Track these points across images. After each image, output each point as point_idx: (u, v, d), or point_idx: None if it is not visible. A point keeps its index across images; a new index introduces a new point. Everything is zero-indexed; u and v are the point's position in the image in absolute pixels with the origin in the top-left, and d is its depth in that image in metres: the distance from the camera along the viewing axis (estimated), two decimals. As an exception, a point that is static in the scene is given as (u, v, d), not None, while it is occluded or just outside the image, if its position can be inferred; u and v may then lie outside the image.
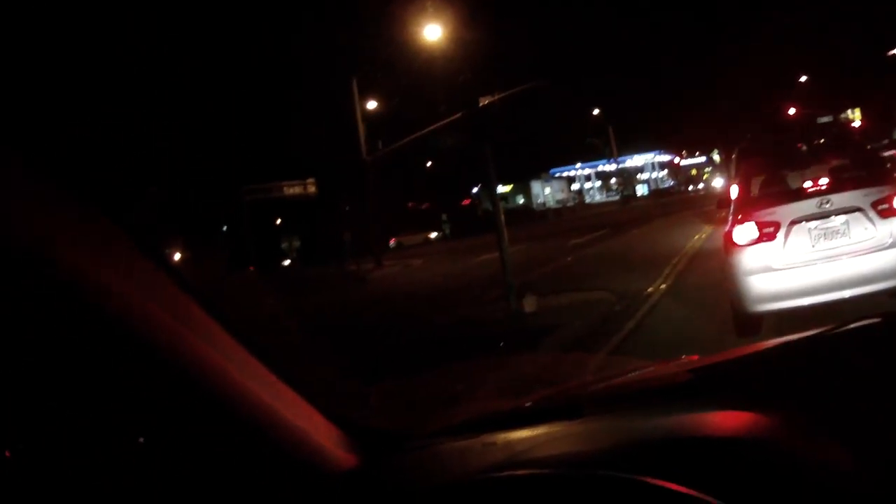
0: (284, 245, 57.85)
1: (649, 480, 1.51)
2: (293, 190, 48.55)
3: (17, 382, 1.49)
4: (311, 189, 48.79)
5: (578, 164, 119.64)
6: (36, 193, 1.39)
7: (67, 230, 1.42)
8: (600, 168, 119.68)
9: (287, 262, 60.08)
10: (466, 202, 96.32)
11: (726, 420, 1.84)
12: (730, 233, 9.55)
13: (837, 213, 9.09)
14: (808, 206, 9.25)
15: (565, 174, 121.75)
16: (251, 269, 49.05)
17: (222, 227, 60.21)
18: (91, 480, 1.64)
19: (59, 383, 1.52)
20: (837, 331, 2.20)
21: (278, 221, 66.61)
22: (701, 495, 1.44)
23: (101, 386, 1.55)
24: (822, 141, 13.07)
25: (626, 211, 71.71)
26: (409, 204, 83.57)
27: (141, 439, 1.66)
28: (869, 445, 1.58)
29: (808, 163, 11.78)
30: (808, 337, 2.28)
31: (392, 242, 76.97)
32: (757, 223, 9.28)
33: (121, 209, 1.52)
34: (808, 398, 1.87)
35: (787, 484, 1.51)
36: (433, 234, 79.72)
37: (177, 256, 37.16)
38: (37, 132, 1.42)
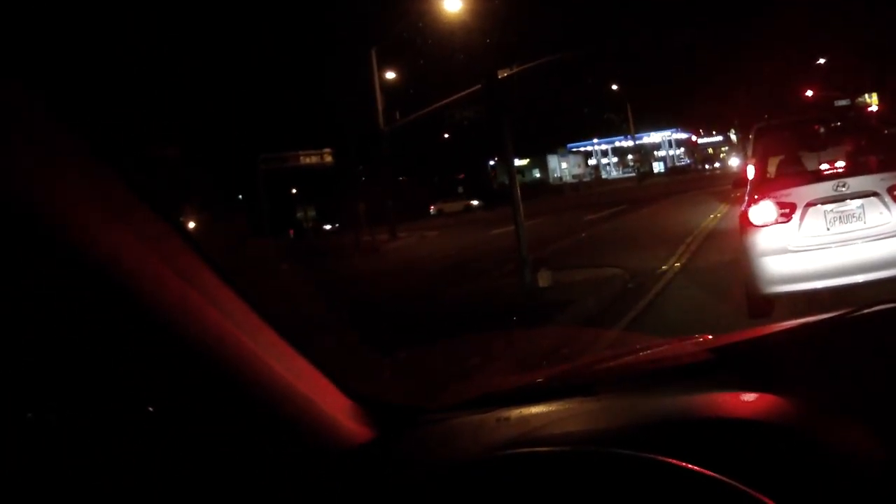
0: (300, 214, 57.70)
1: (668, 460, 1.51)
2: (310, 159, 48.38)
3: (26, 346, 1.48)
4: (328, 159, 48.63)
5: (595, 140, 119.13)
6: (51, 150, 1.39)
7: (78, 188, 1.41)
8: (617, 144, 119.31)
9: (328, 227, 60.25)
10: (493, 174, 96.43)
11: (745, 401, 1.83)
12: (746, 213, 9.54)
13: (853, 196, 9.07)
14: (824, 188, 9.22)
15: (582, 149, 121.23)
16: (291, 232, 49.79)
17: (238, 195, 60.12)
18: (98, 449, 1.62)
19: (66, 349, 1.51)
20: (855, 314, 2.17)
21: (294, 191, 66.47)
22: (720, 477, 1.44)
23: (110, 352, 1.53)
24: (838, 124, 13.00)
25: (642, 188, 71.36)
26: (401, 178, 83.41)
27: (150, 408, 1.64)
28: (889, 429, 1.57)
29: (825, 145, 11.75)
30: (825, 319, 2.26)
31: (432, 209, 77.61)
32: (773, 204, 9.26)
33: (134, 171, 1.50)
34: (827, 380, 1.86)
35: (808, 466, 1.50)
36: (475, 202, 79.22)
37: (191, 225, 37.02)
38: (55, 89, 1.41)
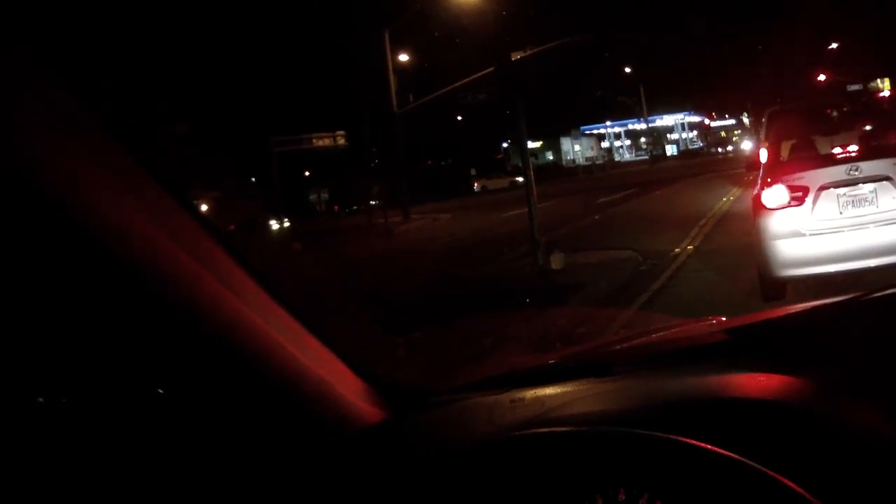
0: (313, 197, 57.68)
1: (684, 440, 1.52)
2: (323, 142, 48.37)
3: (34, 328, 1.47)
4: (341, 141, 48.61)
5: (608, 122, 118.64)
6: (60, 122, 1.35)
7: (89, 164, 1.39)
8: (630, 127, 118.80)
9: (373, 202, 61.00)
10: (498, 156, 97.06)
11: (759, 382, 1.82)
12: (759, 196, 9.51)
13: (866, 180, 9.04)
14: (837, 172, 9.19)
15: (595, 132, 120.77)
16: (335, 207, 50.56)
17: (251, 177, 60.13)
18: (108, 433, 1.63)
19: (76, 331, 1.50)
20: (870, 297, 2.16)
21: (307, 173, 66.42)
22: (737, 457, 1.45)
23: (120, 334, 1.52)
24: (850, 108, 12.97)
25: (655, 170, 71.13)
26: (425, 161, 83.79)
27: (160, 391, 1.63)
28: None
29: (838, 129, 11.72)
30: (840, 302, 2.24)
31: (477, 187, 77.53)
32: (786, 187, 9.24)
33: (146, 148, 1.47)
34: (840, 362, 1.85)
35: (821, 446, 1.51)
36: (519, 179, 79.22)
37: (204, 207, 36.81)
38: (67, 67, 1.37)
